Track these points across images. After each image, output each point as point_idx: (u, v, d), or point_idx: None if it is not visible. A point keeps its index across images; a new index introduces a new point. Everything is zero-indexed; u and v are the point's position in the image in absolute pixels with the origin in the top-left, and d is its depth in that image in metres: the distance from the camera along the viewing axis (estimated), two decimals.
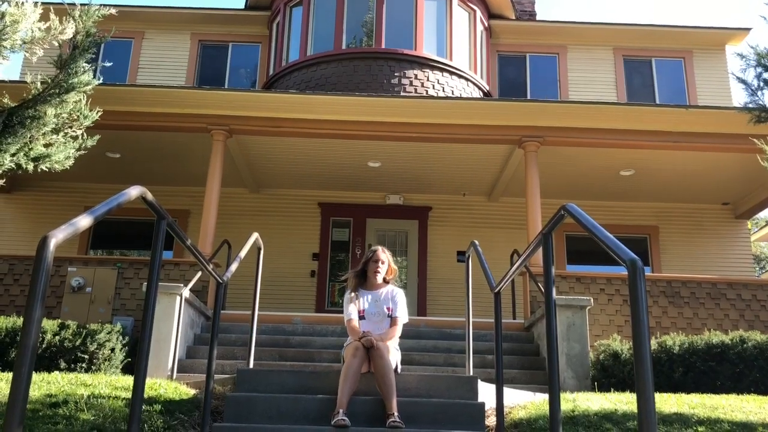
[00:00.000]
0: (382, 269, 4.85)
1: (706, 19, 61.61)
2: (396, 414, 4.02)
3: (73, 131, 6.91)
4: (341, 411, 3.99)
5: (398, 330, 4.73)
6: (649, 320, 8.93)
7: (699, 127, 9.82)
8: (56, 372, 5.70)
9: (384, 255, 4.91)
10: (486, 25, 13.96)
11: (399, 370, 4.66)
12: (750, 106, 7.24)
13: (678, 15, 58.93)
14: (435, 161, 11.11)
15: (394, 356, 4.55)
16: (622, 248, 2.32)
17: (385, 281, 4.92)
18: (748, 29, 14.08)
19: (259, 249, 5.77)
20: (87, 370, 6.44)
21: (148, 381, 4.68)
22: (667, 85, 14.25)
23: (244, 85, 14.25)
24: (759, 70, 6.97)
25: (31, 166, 6.61)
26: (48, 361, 6.37)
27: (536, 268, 8.78)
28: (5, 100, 6.64)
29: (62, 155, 6.71)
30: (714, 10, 59.43)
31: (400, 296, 4.86)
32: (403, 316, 4.78)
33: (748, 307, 9.24)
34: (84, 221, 2.33)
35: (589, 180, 11.60)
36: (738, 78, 7.14)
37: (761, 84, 6.99)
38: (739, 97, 16.29)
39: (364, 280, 4.89)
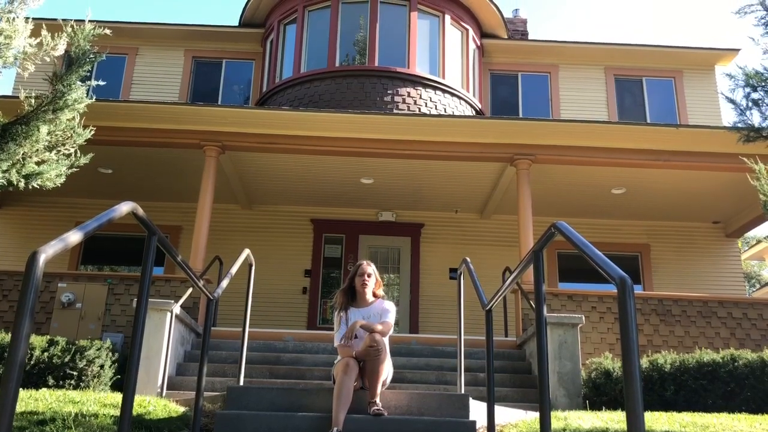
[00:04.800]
0: (370, 282, 4.82)
1: (696, 39, 62.37)
2: (379, 402, 4.31)
3: (66, 149, 6.89)
4: (336, 429, 3.96)
5: (389, 328, 4.64)
6: (641, 338, 9.00)
7: (689, 146, 9.90)
8: (44, 389, 5.64)
9: (369, 268, 4.90)
10: (478, 43, 14.07)
11: (388, 382, 4.65)
12: (739, 125, 7.31)
13: (668, 35, 59.64)
14: (427, 178, 11.14)
15: (387, 366, 4.54)
16: (611, 266, 2.33)
17: (375, 296, 4.89)
18: (737, 50, 14.26)
19: (251, 265, 5.76)
20: (76, 387, 6.38)
21: (137, 398, 4.64)
22: (657, 104, 14.39)
23: (238, 101, 14.29)
24: (747, 90, 7.05)
25: (22, 183, 6.57)
26: (36, 378, 6.30)
27: (528, 286, 8.79)
28: None
29: (54, 173, 6.68)
30: (704, 30, 60.19)
31: (391, 306, 4.82)
32: (391, 321, 4.70)
33: (739, 325, 9.26)
34: (74, 237, 2.33)
35: (580, 198, 11.65)
36: (727, 98, 7.21)
37: (750, 104, 7.07)
38: (728, 116, 16.46)
39: (353, 298, 4.87)
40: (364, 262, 4.97)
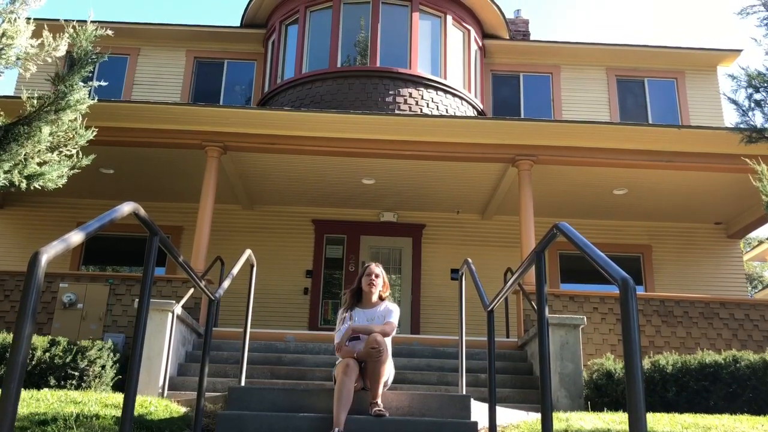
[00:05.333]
0: (377, 282, 4.81)
1: (698, 40, 62.32)
2: (380, 403, 4.30)
3: (68, 150, 6.89)
4: (337, 430, 3.96)
5: (392, 329, 4.67)
6: (642, 339, 8.98)
7: (691, 147, 9.89)
8: (46, 389, 5.64)
9: (378, 269, 4.90)
10: (480, 44, 14.07)
11: (389, 383, 4.64)
12: (741, 126, 7.31)
13: (670, 36, 59.61)
14: (429, 179, 11.14)
15: (389, 368, 4.53)
16: (613, 267, 2.32)
17: (381, 299, 4.89)
18: (739, 51, 14.23)
19: (252, 266, 5.76)
20: (77, 388, 6.38)
21: (139, 399, 4.65)
22: (659, 104, 14.37)
23: (239, 101, 14.30)
24: (750, 91, 7.05)
25: (24, 184, 6.58)
26: (38, 378, 6.31)
27: (530, 287, 8.78)
28: (0, 117, 6.63)
29: (56, 174, 6.69)
30: (706, 31, 60.16)
31: (395, 308, 4.82)
32: (394, 322, 4.73)
33: (741, 326, 9.24)
34: (76, 237, 2.33)
35: (582, 199, 11.64)
36: (730, 99, 7.22)
37: (752, 104, 7.07)
38: (730, 117, 16.45)
39: (359, 299, 4.87)
40: (373, 264, 4.96)
